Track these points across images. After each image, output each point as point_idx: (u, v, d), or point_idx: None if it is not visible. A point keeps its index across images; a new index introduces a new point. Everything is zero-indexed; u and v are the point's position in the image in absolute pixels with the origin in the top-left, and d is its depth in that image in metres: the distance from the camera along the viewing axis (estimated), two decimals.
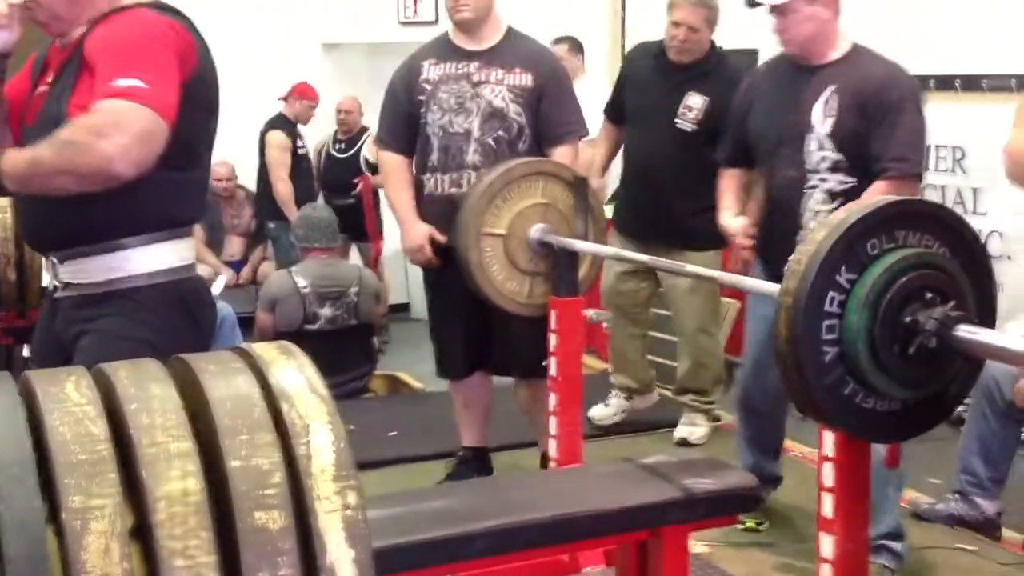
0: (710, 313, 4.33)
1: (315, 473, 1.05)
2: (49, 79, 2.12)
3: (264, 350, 1.17)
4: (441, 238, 3.54)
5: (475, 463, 3.77)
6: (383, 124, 3.74)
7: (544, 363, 3.48)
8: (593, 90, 5.20)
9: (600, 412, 4.45)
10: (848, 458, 2.01)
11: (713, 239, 4.10)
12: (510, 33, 3.62)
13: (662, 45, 4.17)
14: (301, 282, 5.04)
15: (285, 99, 6.93)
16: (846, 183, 3.02)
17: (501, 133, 3.52)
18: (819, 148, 3.04)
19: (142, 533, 0.98)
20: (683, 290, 4.22)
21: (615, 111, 4.32)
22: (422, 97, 3.57)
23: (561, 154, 3.51)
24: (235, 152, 6.77)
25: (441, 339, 3.75)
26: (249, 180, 7.16)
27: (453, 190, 3.50)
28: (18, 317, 2.76)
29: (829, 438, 2.02)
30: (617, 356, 4.48)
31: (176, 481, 1.00)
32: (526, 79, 3.53)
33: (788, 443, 3.73)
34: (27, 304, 2.76)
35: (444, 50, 3.62)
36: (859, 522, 2.05)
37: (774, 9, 3.02)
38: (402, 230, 3.72)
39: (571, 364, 3.17)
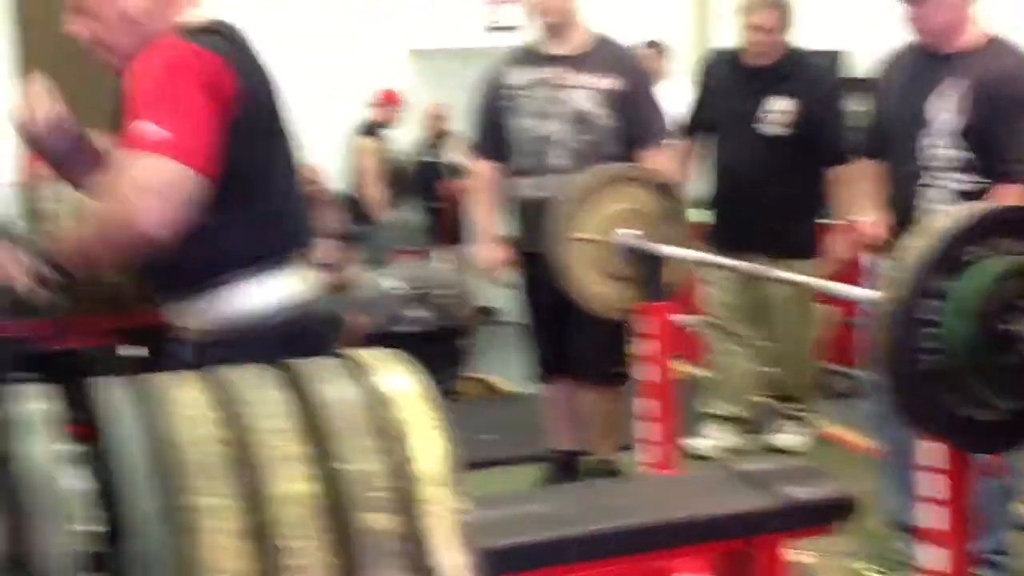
0: (807, 320, 4.25)
1: (421, 476, 1.07)
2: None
3: (370, 356, 1.20)
4: (509, 269, 3.69)
5: (567, 467, 3.78)
6: (475, 132, 3.79)
7: (614, 371, 3.47)
8: (676, 93, 5.17)
9: (697, 442, 4.16)
10: (949, 468, 1.98)
11: (809, 247, 4.05)
12: (595, 37, 3.63)
13: (735, 52, 4.12)
14: (389, 284, 5.10)
15: (373, 105, 7.04)
16: (973, 183, 2.80)
17: (587, 137, 3.53)
18: (939, 144, 2.85)
19: (256, 532, 1.01)
20: (780, 298, 4.15)
21: (697, 123, 4.19)
22: (509, 103, 3.60)
23: (651, 157, 3.51)
24: (326, 156, 6.88)
25: (533, 343, 3.78)
26: (339, 184, 7.27)
27: (540, 194, 3.52)
28: (118, 317, 2.81)
29: (928, 448, 1.99)
30: (720, 377, 4.27)
31: (289, 482, 1.03)
32: (611, 83, 3.53)
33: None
34: (126, 304, 2.80)
35: (529, 56, 3.65)
36: (960, 534, 2.01)
37: None
38: (478, 246, 3.78)
39: (664, 369, 3.15)
